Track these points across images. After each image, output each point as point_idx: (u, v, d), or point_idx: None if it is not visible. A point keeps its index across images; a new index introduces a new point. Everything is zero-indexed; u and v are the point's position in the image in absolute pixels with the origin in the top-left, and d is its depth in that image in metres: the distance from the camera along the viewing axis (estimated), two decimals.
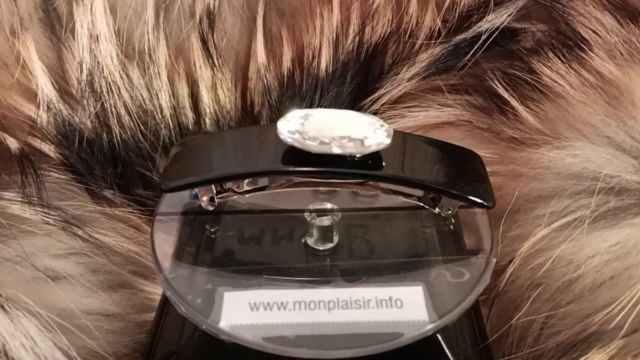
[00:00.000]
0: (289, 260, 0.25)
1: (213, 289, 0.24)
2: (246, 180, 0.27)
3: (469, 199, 0.25)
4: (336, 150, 0.24)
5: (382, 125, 0.25)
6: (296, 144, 0.24)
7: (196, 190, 0.26)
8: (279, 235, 0.26)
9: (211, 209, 0.27)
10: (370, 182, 0.27)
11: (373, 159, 0.25)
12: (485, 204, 0.25)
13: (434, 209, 0.27)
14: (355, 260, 0.25)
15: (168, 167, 0.27)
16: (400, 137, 0.27)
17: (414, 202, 0.27)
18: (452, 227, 0.27)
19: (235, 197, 0.27)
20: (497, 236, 0.27)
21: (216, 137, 0.31)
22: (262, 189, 0.27)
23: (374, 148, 0.24)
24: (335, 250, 0.26)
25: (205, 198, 0.26)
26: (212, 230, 0.27)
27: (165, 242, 0.26)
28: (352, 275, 0.25)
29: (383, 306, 0.23)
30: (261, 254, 0.26)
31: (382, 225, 0.27)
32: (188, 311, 0.23)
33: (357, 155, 0.24)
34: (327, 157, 0.24)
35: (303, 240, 0.26)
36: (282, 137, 0.24)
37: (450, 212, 0.27)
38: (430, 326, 0.23)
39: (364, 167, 0.24)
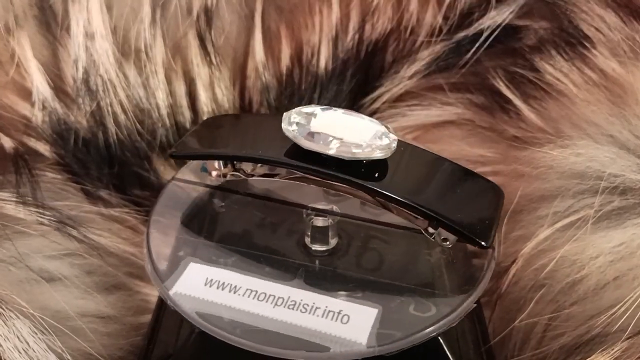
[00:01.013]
0: (269, 251, 0.25)
1: (183, 257, 0.25)
2: (258, 165, 0.26)
3: (460, 231, 0.23)
4: (327, 150, 0.23)
5: (386, 135, 0.24)
6: (292, 137, 0.24)
7: (205, 163, 0.27)
8: (273, 225, 0.26)
9: (217, 184, 0.27)
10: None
11: (368, 167, 0.24)
12: (479, 242, 0.23)
13: (430, 236, 0.24)
14: (331, 267, 0.25)
15: (186, 137, 0.28)
16: (410, 151, 0.25)
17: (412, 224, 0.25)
18: (446, 258, 0.25)
19: (244, 179, 0.27)
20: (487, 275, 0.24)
21: (240, 118, 0.32)
22: (272, 176, 0.26)
23: (363, 155, 0.23)
24: (325, 253, 0.25)
25: (214, 173, 0.27)
26: (210, 206, 0.27)
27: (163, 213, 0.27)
28: (316, 280, 0.24)
29: (328, 317, 0.23)
30: (246, 239, 0.26)
31: (376, 240, 0.26)
32: (150, 271, 0.24)
33: (346, 159, 0.23)
34: (319, 156, 0.24)
35: (297, 237, 0.26)
36: (283, 128, 0.24)
37: (447, 243, 0.24)
38: (363, 351, 0.22)
39: (352, 173, 0.24)
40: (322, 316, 0.23)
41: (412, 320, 0.22)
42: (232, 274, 0.24)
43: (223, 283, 0.24)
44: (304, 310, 0.23)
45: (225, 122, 0.30)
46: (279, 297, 0.23)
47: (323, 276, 0.24)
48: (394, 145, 0.24)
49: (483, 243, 0.23)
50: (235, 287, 0.24)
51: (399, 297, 0.23)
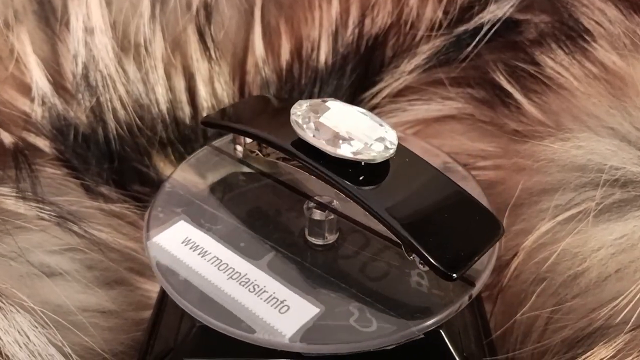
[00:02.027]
0: (255, 229, 0.26)
1: (178, 213, 0.26)
2: None
3: (426, 257, 0.22)
4: (322, 145, 0.23)
5: (385, 140, 0.23)
6: (295, 127, 0.24)
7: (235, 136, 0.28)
8: (272, 207, 0.27)
9: (240, 156, 0.28)
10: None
11: (361, 171, 0.23)
12: (444, 272, 0.21)
13: (408, 255, 0.23)
14: (300, 259, 0.25)
15: (220, 109, 0.31)
16: (413, 164, 0.25)
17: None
18: (419, 280, 0.24)
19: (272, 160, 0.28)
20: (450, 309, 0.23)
21: (277, 101, 0.31)
22: (287, 160, 0.27)
23: (357, 157, 0.23)
24: (315, 245, 0.25)
25: (238, 147, 0.28)
26: (221, 179, 0.28)
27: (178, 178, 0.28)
28: (280, 267, 0.24)
29: (269, 303, 0.23)
30: (242, 214, 0.26)
31: (365, 246, 0.25)
32: (146, 219, 0.26)
33: (340, 158, 0.23)
34: (316, 150, 0.24)
35: (291, 223, 0.26)
36: (290, 116, 0.24)
37: (422, 266, 0.23)
38: (283, 343, 0.22)
39: (341, 173, 0.23)
40: (265, 300, 0.23)
41: (346, 331, 0.22)
42: (209, 240, 0.25)
43: (197, 245, 0.25)
44: (252, 290, 0.23)
45: (262, 102, 0.31)
46: (237, 272, 0.24)
47: (288, 265, 0.24)
48: (387, 153, 0.23)
49: (448, 272, 0.21)
50: (206, 252, 0.25)
51: (348, 305, 0.23)
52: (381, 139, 0.24)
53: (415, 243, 0.22)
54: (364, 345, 0.22)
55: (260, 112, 0.29)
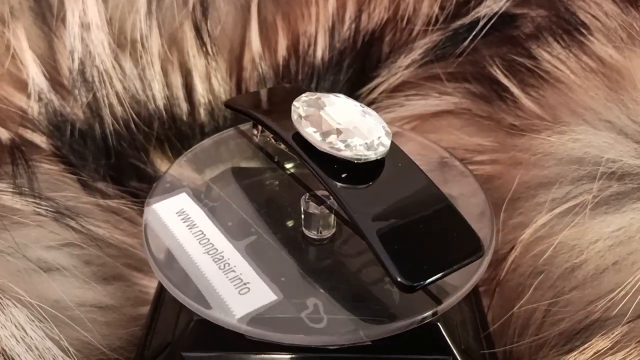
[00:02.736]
0: (249, 211, 0.26)
1: (183, 187, 0.27)
2: None
3: (382, 262, 0.21)
4: (313, 139, 0.23)
5: (376, 141, 0.23)
6: (294, 120, 0.24)
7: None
8: (283, 197, 0.27)
9: (256, 141, 0.29)
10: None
11: (344, 168, 0.23)
12: (399, 281, 0.20)
13: None
14: (284, 250, 0.25)
15: (248, 93, 0.33)
16: (407, 171, 0.24)
17: None
18: (391, 288, 0.23)
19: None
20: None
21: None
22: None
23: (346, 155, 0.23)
24: (309, 238, 0.25)
25: (254, 132, 0.29)
26: (231, 160, 0.29)
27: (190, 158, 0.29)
28: (257, 250, 0.25)
29: (233, 283, 0.23)
30: (242, 196, 0.27)
31: (360, 245, 0.25)
32: (153, 186, 0.27)
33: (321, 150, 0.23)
34: (310, 145, 0.24)
35: (285, 211, 0.26)
36: (292, 109, 0.25)
37: None
38: (230, 323, 0.22)
39: (324, 167, 0.23)
40: (230, 279, 0.23)
41: (294, 323, 0.22)
42: (202, 215, 0.26)
43: (189, 218, 0.26)
44: (222, 267, 0.24)
45: (287, 92, 0.31)
46: (214, 248, 0.25)
47: (265, 251, 0.25)
48: (376, 154, 0.23)
49: (404, 282, 0.20)
50: (194, 225, 0.26)
51: (306, 299, 0.23)
52: (375, 139, 0.23)
53: (375, 247, 0.21)
54: (304, 339, 0.22)
55: (280, 102, 0.29)
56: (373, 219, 0.22)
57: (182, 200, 0.27)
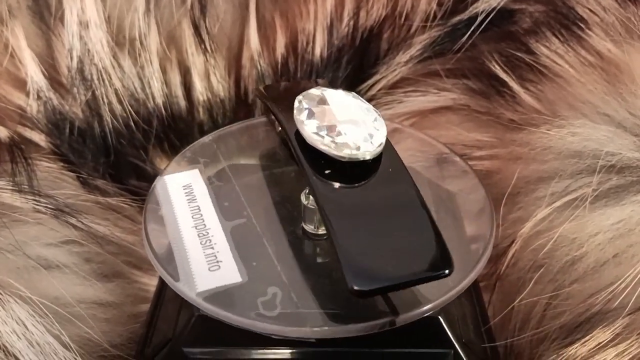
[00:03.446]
0: (255, 200, 0.26)
1: (199, 162, 0.28)
2: None
3: (342, 267, 0.21)
4: (305, 133, 0.23)
5: (368, 140, 0.23)
6: (295, 114, 0.24)
7: None
8: (277, 181, 0.28)
9: (278, 129, 0.29)
10: None
11: (332, 165, 0.23)
12: (348, 283, 0.20)
13: None
14: (266, 238, 0.25)
15: (276, 84, 0.33)
16: (393, 172, 0.24)
17: None
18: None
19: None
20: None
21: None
22: None
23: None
24: (306, 232, 0.25)
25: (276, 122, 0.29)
26: (259, 149, 0.29)
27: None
28: (245, 233, 0.25)
29: (208, 259, 0.24)
30: (255, 183, 0.27)
31: None
32: (172, 160, 0.28)
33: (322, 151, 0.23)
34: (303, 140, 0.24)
35: (284, 200, 0.27)
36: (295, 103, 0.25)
37: None
38: (190, 296, 0.23)
39: (311, 161, 0.24)
40: (206, 256, 0.24)
41: (247, 306, 0.22)
42: (204, 192, 0.27)
43: (192, 193, 0.27)
44: (202, 242, 0.24)
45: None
46: (203, 224, 0.25)
47: (249, 235, 0.25)
48: (364, 154, 0.23)
49: (351, 284, 0.20)
50: (194, 199, 0.26)
51: (268, 286, 0.23)
52: (368, 140, 0.23)
53: (337, 246, 0.21)
54: (249, 323, 0.22)
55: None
56: (344, 219, 0.22)
57: (193, 176, 0.27)
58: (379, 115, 0.24)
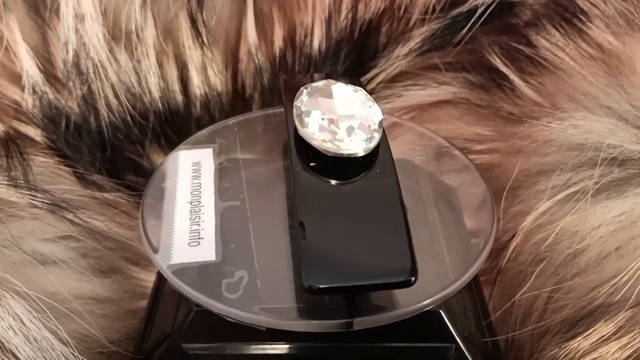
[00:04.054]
0: (257, 185, 0.27)
1: (215, 141, 0.29)
2: None
3: (300, 260, 0.21)
4: (299, 126, 0.23)
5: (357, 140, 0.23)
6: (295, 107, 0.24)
7: None
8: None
9: None
10: None
11: (319, 159, 0.23)
12: (303, 279, 0.20)
13: None
14: (254, 222, 0.25)
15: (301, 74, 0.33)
16: (380, 172, 0.23)
17: None
18: None
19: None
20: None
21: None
22: None
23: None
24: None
25: None
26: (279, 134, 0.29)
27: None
28: (232, 215, 0.25)
29: (192, 235, 0.24)
30: (265, 170, 0.28)
31: None
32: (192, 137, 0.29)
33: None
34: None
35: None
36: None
37: None
38: (161, 267, 0.23)
39: (300, 151, 0.23)
40: (191, 232, 0.24)
41: (211, 286, 0.22)
42: (210, 171, 0.27)
43: (198, 171, 0.27)
44: (191, 218, 0.25)
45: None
46: (198, 201, 0.26)
47: (238, 218, 0.25)
48: (347, 150, 0.23)
49: (304, 279, 0.20)
50: (198, 177, 0.27)
51: (237, 269, 0.23)
52: (358, 136, 0.23)
53: (301, 239, 0.21)
54: (206, 301, 0.22)
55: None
56: (316, 213, 0.22)
57: (205, 154, 0.28)
58: (380, 113, 0.24)
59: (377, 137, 0.24)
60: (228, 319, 0.22)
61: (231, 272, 0.23)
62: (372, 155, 0.24)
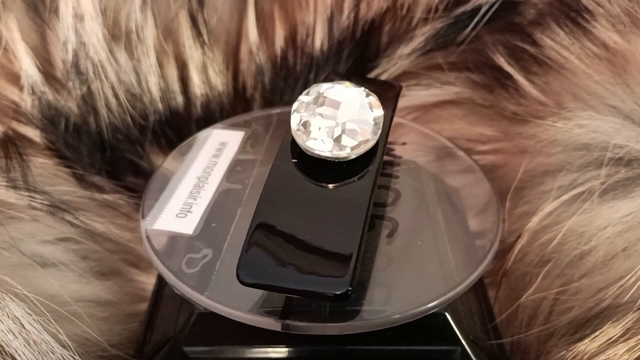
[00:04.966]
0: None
1: (249, 127, 0.30)
2: None
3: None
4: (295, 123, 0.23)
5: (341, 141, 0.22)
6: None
7: None
8: None
9: None
10: None
11: (306, 160, 0.23)
12: (237, 269, 0.20)
13: None
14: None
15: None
16: (360, 179, 0.23)
17: None
18: None
19: None
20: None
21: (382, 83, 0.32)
22: None
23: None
24: None
25: None
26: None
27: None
28: (231, 198, 0.26)
29: (184, 207, 0.25)
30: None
31: None
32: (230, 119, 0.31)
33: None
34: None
35: None
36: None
37: None
38: (143, 232, 0.24)
39: (282, 149, 0.23)
40: (184, 204, 0.25)
41: (176, 258, 0.23)
42: (231, 153, 0.28)
43: (221, 151, 0.28)
44: (192, 192, 0.26)
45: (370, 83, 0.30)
46: (205, 178, 0.27)
47: (236, 201, 0.25)
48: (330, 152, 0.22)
49: (238, 269, 0.19)
50: (218, 156, 0.28)
51: (204, 248, 0.23)
52: (344, 140, 0.22)
53: (250, 231, 0.20)
54: (161, 269, 0.23)
55: None
56: (276, 208, 0.21)
57: (235, 136, 0.29)
58: (380, 119, 0.23)
59: (368, 144, 0.23)
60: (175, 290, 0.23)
61: (198, 249, 0.23)
62: (359, 163, 0.23)
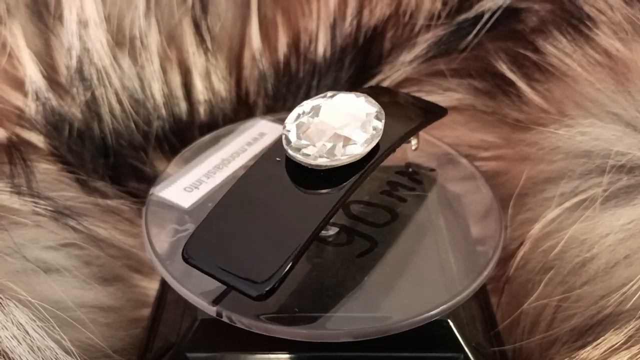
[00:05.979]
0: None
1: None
2: None
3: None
4: (289, 131, 0.23)
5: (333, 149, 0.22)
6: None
7: None
8: None
9: None
10: None
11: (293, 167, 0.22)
12: (183, 252, 0.21)
13: None
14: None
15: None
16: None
17: None
18: None
19: None
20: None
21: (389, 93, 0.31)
22: None
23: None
24: None
25: None
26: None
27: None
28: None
29: (196, 183, 0.27)
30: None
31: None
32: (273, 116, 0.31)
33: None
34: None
35: None
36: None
37: None
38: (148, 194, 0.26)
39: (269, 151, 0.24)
40: (197, 180, 0.27)
41: (165, 227, 0.24)
42: (265, 143, 0.29)
43: (258, 140, 0.29)
44: (209, 171, 0.27)
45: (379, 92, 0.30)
46: (229, 160, 0.28)
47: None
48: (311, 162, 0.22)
49: (183, 249, 0.21)
50: (251, 144, 0.29)
51: (190, 223, 0.25)
52: (331, 151, 0.22)
53: (206, 217, 0.21)
54: (145, 230, 0.24)
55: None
56: (238, 196, 0.22)
57: (276, 129, 0.29)
58: (380, 131, 0.23)
59: (350, 156, 0.22)
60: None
61: (184, 222, 0.25)
62: (339, 172, 0.22)
